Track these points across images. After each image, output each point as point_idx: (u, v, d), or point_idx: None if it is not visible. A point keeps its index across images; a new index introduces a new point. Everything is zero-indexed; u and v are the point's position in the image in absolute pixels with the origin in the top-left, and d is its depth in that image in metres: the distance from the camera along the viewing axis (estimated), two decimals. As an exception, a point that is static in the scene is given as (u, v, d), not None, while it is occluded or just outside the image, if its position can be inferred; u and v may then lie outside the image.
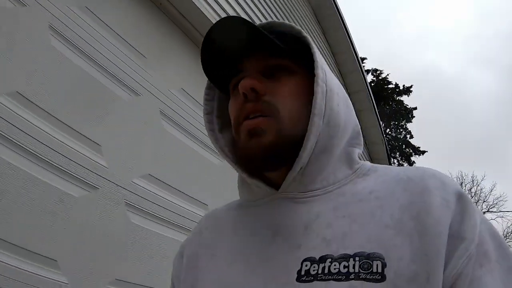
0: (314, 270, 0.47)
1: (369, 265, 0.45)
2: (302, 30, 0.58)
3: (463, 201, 0.49)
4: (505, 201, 19.32)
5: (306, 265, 0.48)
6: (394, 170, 0.57)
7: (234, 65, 0.58)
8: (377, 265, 0.45)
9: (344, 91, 0.61)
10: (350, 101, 0.62)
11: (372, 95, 4.94)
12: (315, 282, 0.46)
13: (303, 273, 0.48)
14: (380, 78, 19.64)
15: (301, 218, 0.53)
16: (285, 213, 0.55)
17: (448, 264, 0.45)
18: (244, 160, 0.55)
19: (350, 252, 0.47)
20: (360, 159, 0.61)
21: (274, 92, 0.54)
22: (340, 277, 0.45)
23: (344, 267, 0.46)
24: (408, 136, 19.95)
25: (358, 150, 0.61)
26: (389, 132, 19.60)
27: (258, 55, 0.57)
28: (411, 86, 19.32)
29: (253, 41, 0.55)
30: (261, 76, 0.56)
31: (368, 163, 0.61)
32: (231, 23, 0.55)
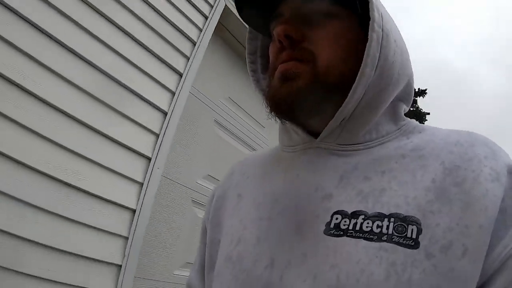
0: (344, 225, 0.44)
1: (403, 228, 0.41)
2: None
3: None
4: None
5: (337, 218, 0.45)
6: (442, 131, 0.51)
7: (273, 8, 0.54)
8: (412, 230, 0.41)
9: (402, 37, 0.54)
10: (407, 50, 0.55)
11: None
12: (344, 238, 0.43)
13: (332, 226, 0.45)
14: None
15: (337, 168, 0.50)
16: (320, 162, 0.51)
17: (499, 243, 0.40)
18: (271, 105, 0.51)
19: (386, 211, 0.43)
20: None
21: (313, 38, 0.49)
22: (371, 236, 0.42)
23: (378, 226, 0.42)
24: (421, 134, 20.54)
25: (406, 106, 0.57)
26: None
27: None
28: (425, 89, 19.96)
29: None
30: (299, 20, 0.51)
31: (414, 121, 0.56)
32: None
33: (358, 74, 0.47)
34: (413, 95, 0.56)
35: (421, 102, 21.39)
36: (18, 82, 1.25)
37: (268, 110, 0.51)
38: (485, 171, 0.43)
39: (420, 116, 20.21)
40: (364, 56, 0.46)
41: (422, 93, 20.07)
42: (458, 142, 0.47)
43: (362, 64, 0.46)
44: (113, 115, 1.51)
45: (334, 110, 0.49)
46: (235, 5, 0.56)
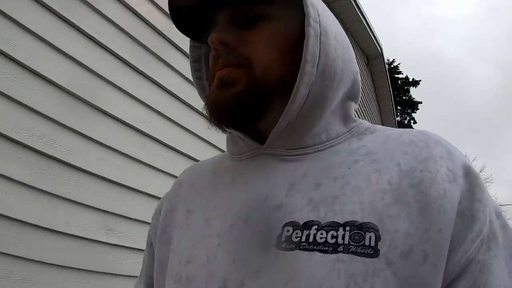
0: (297, 237, 0.41)
1: (361, 236, 0.39)
2: None
3: (472, 176, 0.42)
4: (491, 182, 19.97)
5: (288, 230, 0.42)
6: (395, 132, 0.48)
7: (210, 17, 0.51)
8: (370, 237, 0.39)
9: (343, 32, 0.52)
10: (350, 45, 0.52)
11: (392, 93, 6.28)
12: (297, 251, 0.40)
13: (283, 239, 0.41)
14: (392, 66, 21.13)
15: (286, 176, 0.46)
16: (268, 170, 0.48)
17: (459, 248, 0.39)
18: (209, 112, 0.48)
19: (340, 220, 0.40)
20: (355, 116, 0.53)
21: (248, 42, 0.47)
22: (326, 248, 0.39)
23: (332, 237, 0.39)
24: (412, 121, 21.68)
25: (355, 105, 0.53)
26: (396, 118, 21.19)
27: (232, 4, 0.49)
28: (419, 80, 21.02)
29: None
30: (234, 26, 0.48)
31: (365, 122, 0.52)
32: None
33: (299, 72, 0.44)
34: (360, 92, 0.54)
35: (414, 92, 22.35)
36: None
37: (208, 119, 0.49)
38: (442, 171, 0.41)
39: (412, 104, 21.21)
40: (303, 52, 0.44)
41: (415, 83, 21.00)
42: (411, 142, 0.45)
43: (302, 61, 0.44)
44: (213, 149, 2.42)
45: (279, 113, 0.47)
46: (171, 17, 0.54)
